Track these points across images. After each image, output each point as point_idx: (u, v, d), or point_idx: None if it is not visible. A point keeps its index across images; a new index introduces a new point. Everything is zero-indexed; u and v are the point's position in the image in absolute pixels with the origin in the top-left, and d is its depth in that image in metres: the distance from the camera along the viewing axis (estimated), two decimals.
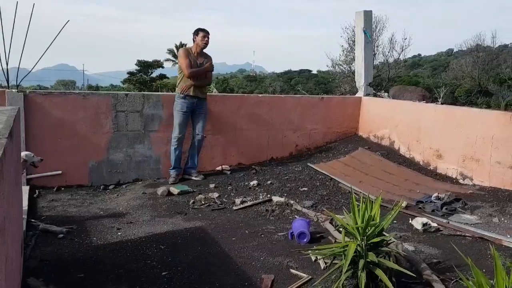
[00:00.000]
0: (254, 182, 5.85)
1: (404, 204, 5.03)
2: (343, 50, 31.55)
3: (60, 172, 5.70)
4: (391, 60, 32.02)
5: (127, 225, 4.50)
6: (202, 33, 5.99)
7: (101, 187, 5.85)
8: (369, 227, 3.08)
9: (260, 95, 6.85)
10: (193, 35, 6.06)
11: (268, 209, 4.96)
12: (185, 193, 5.56)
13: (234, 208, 5.04)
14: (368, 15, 7.51)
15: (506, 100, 35.62)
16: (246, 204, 5.11)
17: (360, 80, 7.80)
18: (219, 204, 5.17)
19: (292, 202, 5.09)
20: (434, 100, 10.03)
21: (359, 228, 3.08)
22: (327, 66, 33.57)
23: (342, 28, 31.13)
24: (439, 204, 4.88)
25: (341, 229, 4.25)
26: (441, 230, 4.35)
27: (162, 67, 62.77)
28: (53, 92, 5.69)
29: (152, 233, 4.28)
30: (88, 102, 5.75)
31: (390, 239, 3.42)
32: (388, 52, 31.24)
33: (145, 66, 57.86)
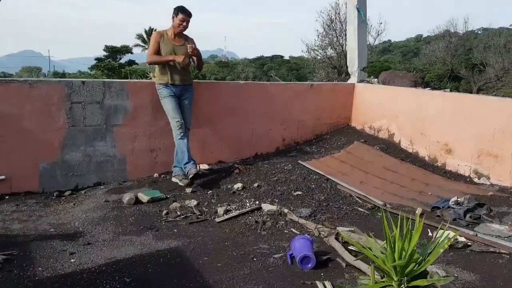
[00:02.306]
0: (239, 185, 4.97)
1: (419, 212, 4.26)
2: (318, 35, 30.86)
3: (3, 177, 4.67)
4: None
5: (83, 247, 3.56)
6: (181, 16, 5.05)
7: (55, 194, 4.86)
8: (410, 265, 2.25)
9: (242, 81, 5.92)
10: (172, 14, 5.11)
11: (258, 221, 4.10)
12: (156, 200, 4.65)
13: (217, 220, 4.16)
14: None
15: (478, 85, 35.72)
16: (231, 215, 4.23)
17: (353, 65, 6.98)
18: (198, 215, 4.28)
19: (286, 210, 4.24)
20: (425, 86, 9.31)
21: (397, 266, 2.24)
22: (302, 51, 32.71)
23: (317, 12, 30.35)
24: (461, 211, 4.12)
25: (352, 247, 3.46)
26: (470, 246, 3.60)
27: (131, 53, 60.87)
28: None
29: (115, 259, 3.36)
30: (36, 91, 4.72)
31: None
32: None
33: (113, 52, 55.88)
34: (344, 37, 30.47)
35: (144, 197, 4.64)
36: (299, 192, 4.78)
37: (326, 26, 30.29)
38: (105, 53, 56.26)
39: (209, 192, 4.89)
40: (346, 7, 6.85)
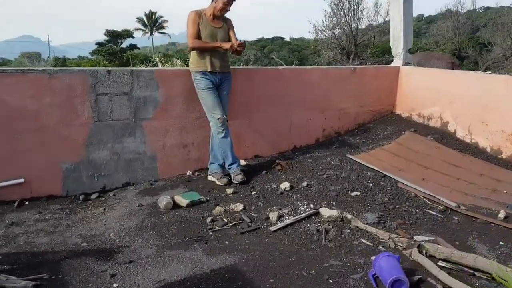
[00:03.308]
0: (286, 184, 4.41)
1: (502, 215, 3.71)
2: (326, 15, 29.99)
3: (22, 180, 4.13)
4: (375, 24, 30.58)
5: (125, 267, 3.03)
6: None
7: (80, 198, 4.32)
8: None
9: (280, 67, 5.31)
10: None
11: (319, 229, 3.55)
12: (196, 203, 4.11)
13: (271, 228, 3.61)
14: None
15: (486, 65, 34.97)
16: (286, 222, 3.68)
17: (398, 46, 6.35)
18: (249, 222, 3.73)
19: (349, 216, 3.69)
20: (461, 66, 8.69)
21: None
22: (309, 32, 31.79)
23: None
24: None
25: (443, 262, 2.92)
26: None
27: (132, 37, 60.00)
28: (5, 71, 4.06)
29: (165, 282, 2.84)
30: (56, 82, 4.14)
31: None
32: (373, 17, 29.81)
33: (114, 36, 55.05)
34: (352, 17, 29.71)
35: (182, 201, 4.10)
36: (357, 193, 4.22)
37: (334, 6, 29.46)
38: (105, 38, 55.45)
39: (253, 193, 4.34)
40: None
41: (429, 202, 4.07)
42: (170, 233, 3.57)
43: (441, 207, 3.98)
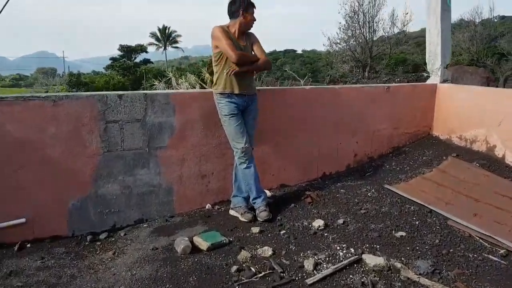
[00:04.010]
0: (319, 222, 3.88)
1: None
2: (340, 28, 29.63)
3: (23, 219, 3.66)
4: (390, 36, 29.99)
5: None
6: (252, 10, 4.05)
7: (88, 238, 3.84)
8: None
9: (308, 87, 4.86)
10: (238, 9, 4.01)
11: (364, 282, 3.01)
12: (218, 246, 3.60)
13: (308, 281, 3.07)
14: None
15: (505, 75, 34.18)
16: (325, 273, 3.15)
17: (435, 62, 5.82)
18: (281, 272, 3.20)
19: (398, 265, 3.15)
20: (497, 81, 8.09)
21: None
22: (323, 45, 31.38)
23: (340, 3, 29.13)
24: None
25: None
26: None
27: (146, 52, 60.34)
28: (5, 98, 3.62)
29: None
30: (61, 110, 3.70)
31: None
32: (390, 28, 29.31)
33: (128, 51, 55.41)
34: (367, 29, 29.27)
35: (202, 243, 3.59)
36: (402, 233, 3.68)
37: (349, 18, 29.05)
38: (119, 53, 55.83)
39: (282, 232, 3.82)
40: None
41: (487, 245, 3.51)
42: (189, 286, 3.06)
43: (502, 251, 3.41)
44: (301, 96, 4.92)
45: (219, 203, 4.50)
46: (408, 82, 8.36)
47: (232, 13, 4.06)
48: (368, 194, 4.47)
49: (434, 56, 5.84)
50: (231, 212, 4.27)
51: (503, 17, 49.84)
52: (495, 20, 45.51)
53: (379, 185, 4.68)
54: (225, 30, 3.99)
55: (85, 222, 3.91)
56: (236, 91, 3.97)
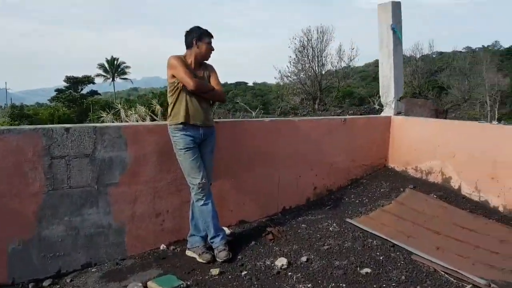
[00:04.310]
0: (282, 261, 3.69)
1: None
2: (290, 62, 30.39)
3: None
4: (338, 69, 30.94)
5: None
6: (207, 39, 3.91)
7: (30, 286, 3.46)
8: None
9: (267, 119, 4.75)
10: (192, 40, 3.89)
11: None
12: None
13: None
14: (396, 7, 5.65)
15: (446, 107, 36.04)
16: None
17: (388, 94, 5.90)
18: None
19: None
20: (444, 113, 8.37)
21: None
22: (274, 78, 31.99)
23: (290, 38, 29.94)
24: None
25: None
26: None
27: (93, 83, 59.10)
28: None
29: None
30: (2, 145, 3.37)
31: None
32: (337, 63, 30.33)
33: (74, 83, 54.01)
34: (316, 63, 30.15)
35: None
36: (368, 270, 3.55)
37: (299, 53, 29.86)
38: (66, 84, 54.32)
39: (243, 273, 3.60)
40: (378, 27, 5.79)
41: (453, 280, 3.43)
42: None
43: (468, 286, 3.35)
44: (260, 128, 4.80)
45: (175, 243, 4.22)
46: (361, 114, 8.48)
47: (187, 44, 3.93)
48: (330, 228, 4.35)
49: (387, 89, 5.93)
50: (188, 252, 4.01)
51: (441, 53, 52.86)
52: (434, 56, 48.27)
53: (340, 219, 4.58)
54: (181, 59, 3.84)
55: (26, 268, 3.53)
56: (192, 122, 3.79)
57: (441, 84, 43.04)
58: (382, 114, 6.07)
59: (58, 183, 3.62)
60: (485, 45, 67.79)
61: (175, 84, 3.82)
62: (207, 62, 4.06)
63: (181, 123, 3.79)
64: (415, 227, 4.35)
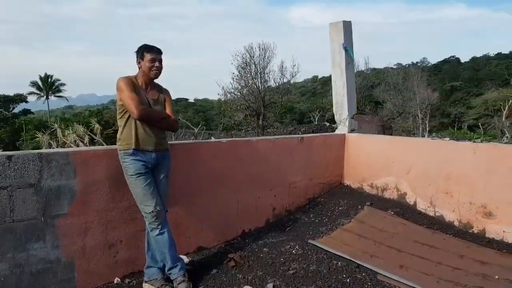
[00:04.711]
0: None
1: None
2: (233, 78, 30.47)
3: None
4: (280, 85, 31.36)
5: None
6: (149, 55, 3.60)
7: None
8: None
9: (224, 140, 4.61)
10: (137, 58, 3.65)
11: None
12: None
13: None
14: (347, 26, 5.71)
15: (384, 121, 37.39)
16: None
17: (342, 112, 5.93)
18: None
19: None
20: (391, 129, 8.56)
21: None
22: (218, 94, 31.83)
23: (232, 55, 30.03)
24: None
25: None
26: None
27: (26, 102, 56.25)
28: None
29: None
30: None
31: None
32: (280, 79, 30.75)
33: (5, 101, 51.10)
34: (259, 79, 30.38)
35: None
36: None
37: (241, 69, 29.98)
38: None
39: None
40: (330, 46, 5.83)
41: None
42: None
43: None
44: (217, 150, 4.62)
45: (130, 275, 3.93)
46: (313, 131, 8.52)
47: (137, 62, 3.69)
48: (293, 251, 4.23)
49: (341, 106, 5.97)
50: (145, 285, 3.73)
51: (374, 69, 55.18)
52: (368, 72, 50.30)
53: (302, 240, 4.48)
54: (131, 81, 3.57)
55: None
56: (142, 146, 3.55)
57: (376, 99, 44.86)
58: (337, 132, 6.09)
59: (0, 216, 3.25)
60: (414, 62, 71.82)
61: (124, 108, 3.57)
62: (162, 85, 3.86)
63: (132, 149, 3.55)
64: (377, 245, 4.32)
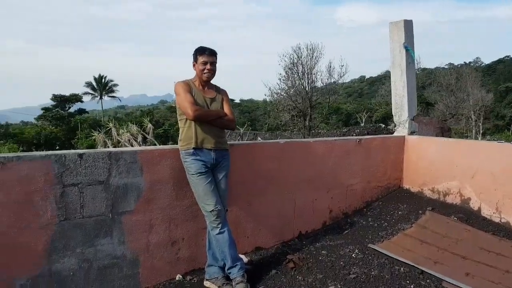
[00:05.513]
0: None
1: None
2: (280, 79, 30.42)
3: None
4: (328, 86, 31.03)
5: None
6: (202, 58, 3.71)
7: None
8: None
9: (281, 140, 4.57)
10: (192, 61, 3.80)
11: None
12: None
13: None
14: (408, 25, 5.57)
15: None
16: None
17: (402, 114, 5.79)
18: None
19: None
20: (450, 131, 8.26)
21: None
22: (265, 95, 31.89)
23: (280, 55, 29.98)
24: None
25: None
26: None
27: (81, 101, 58.62)
28: None
29: None
30: (10, 174, 3.14)
31: None
32: (327, 79, 30.43)
33: (62, 101, 53.45)
34: (306, 80, 30.17)
35: None
36: None
37: (289, 70, 29.89)
38: (52, 102, 53.84)
39: None
40: (390, 46, 5.70)
41: None
42: None
43: None
44: (275, 151, 4.62)
45: (192, 272, 4.00)
46: (367, 133, 8.37)
47: (193, 65, 3.80)
48: (353, 255, 4.16)
49: (400, 108, 5.82)
50: (207, 283, 3.79)
51: (424, 69, 53.67)
52: (418, 72, 48.93)
53: (361, 244, 4.40)
54: (187, 84, 3.72)
55: None
56: (202, 146, 3.63)
57: (427, 100, 43.55)
58: (396, 134, 5.94)
59: (70, 212, 3.39)
60: (467, 62, 69.14)
61: None
62: (219, 86, 3.94)
63: (192, 148, 3.62)
64: (441, 251, 4.18)
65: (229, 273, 3.69)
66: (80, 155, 3.44)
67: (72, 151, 3.51)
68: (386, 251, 4.17)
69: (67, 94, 54.37)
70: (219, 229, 3.64)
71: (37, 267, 3.29)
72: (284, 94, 30.92)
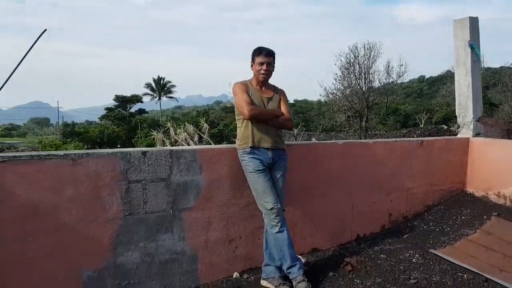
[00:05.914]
0: None
1: None
2: (336, 79, 29.94)
3: None
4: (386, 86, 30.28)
5: None
6: (258, 59, 3.77)
7: None
8: None
9: (340, 141, 4.51)
10: (250, 62, 3.88)
11: None
12: None
13: None
14: (474, 23, 5.35)
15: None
16: None
17: (466, 115, 5.57)
18: None
19: None
20: None
21: None
22: (320, 95, 31.54)
23: (335, 55, 29.52)
24: None
25: None
26: None
27: (141, 102, 60.75)
28: (18, 157, 3.23)
29: None
30: (81, 170, 3.31)
31: None
32: (385, 79, 29.65)
33: (123, 101, 55.67)
34: (363, 80, 29.56)
35: None
36: None
37: (345, 69, 29.39)
38: (114, 103, 56.15)
39: None
40: (453, 44, 5.49)
41: None
42: None
43: None
44: (333, 151, 4.58)
45: (248, 270, 4.05)
46: (429, 135, 8.11)
47: (251, 68, 3.85)
48: (413, 260, 4.05)
49: (464, 108, 5.60)
50: (264, 282, 3.81)
51: (488, 68, 51.15)
52: (482, 71, 46.72)
53: (422, 249, 4.27)
54: (244, 85, 3.79)
55: None
56: (260, 145, 3.67)
57: (491, 100, 41.50)
58: (459, 135, 5.72)
59: (135, 208, 3.53)
60: None
61: None
62: (277, 86, 3.97)
63: (249, 147, 3.66)
64: (507, 259, 3.98)
65: (289, 272, 3.69)
66: (144, 153, 3.57)
67: (136, 148, 3.65)
68: (449, 256, 4.02)
69: (128, 95, 56.47)
70: (278, 227, 3.64)
71: (103, 260, 3.44)
72: (340, 94, 30.45)
